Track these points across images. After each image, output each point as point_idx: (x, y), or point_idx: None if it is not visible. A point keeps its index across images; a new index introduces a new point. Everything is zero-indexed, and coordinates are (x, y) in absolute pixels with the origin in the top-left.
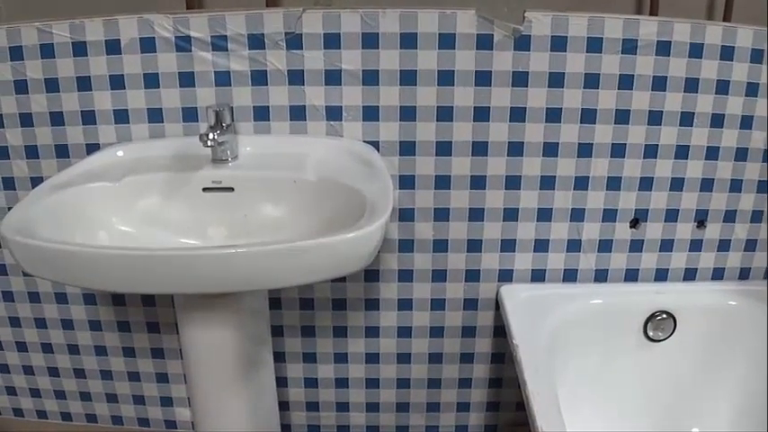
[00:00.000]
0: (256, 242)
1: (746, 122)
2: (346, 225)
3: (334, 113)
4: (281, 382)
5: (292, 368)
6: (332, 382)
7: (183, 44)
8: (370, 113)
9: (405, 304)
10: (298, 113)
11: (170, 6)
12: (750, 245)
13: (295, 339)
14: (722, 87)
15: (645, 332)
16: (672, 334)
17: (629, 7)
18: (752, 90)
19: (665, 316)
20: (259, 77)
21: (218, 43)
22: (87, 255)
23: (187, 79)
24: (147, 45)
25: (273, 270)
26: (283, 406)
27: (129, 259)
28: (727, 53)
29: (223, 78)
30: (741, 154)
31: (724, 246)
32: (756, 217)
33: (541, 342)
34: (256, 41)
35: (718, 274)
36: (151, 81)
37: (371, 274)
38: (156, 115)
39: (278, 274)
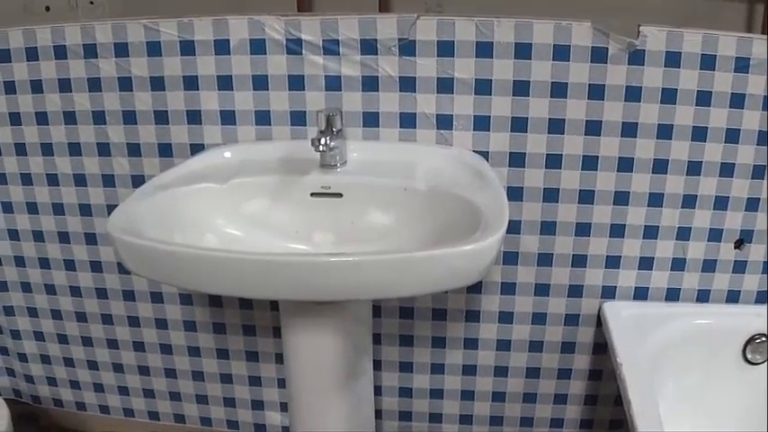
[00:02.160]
0: (367, 251)
1: None
2: (458, 237)
3: (444, 122)
4: (377, 390)
5: (387, 377)
6: (427, 392)
7: (294, 47)
8: (481, 123)
9: (505, 317)
10: (408, 121)
11: (280, 9)
12: None
13: (393, 348)
14: None
15: (744, 354)
16: None
17: (739, 24)
18: None
19: (764, 339)
20: (370, 83)
21: (330, 47)
22: (194, 256)
23: (297, 82)
24: (258, 47)
25: (382, 280)
26: (377, 414)
27: (235, 263)
28: None
29: (333, 83)
30: None
31: None
32: None
33: (645, 361)
34: (369, 47)
35: None
36: (260, 83)
37: (474, 286)
38: (263, 117)
39: (387, 284)
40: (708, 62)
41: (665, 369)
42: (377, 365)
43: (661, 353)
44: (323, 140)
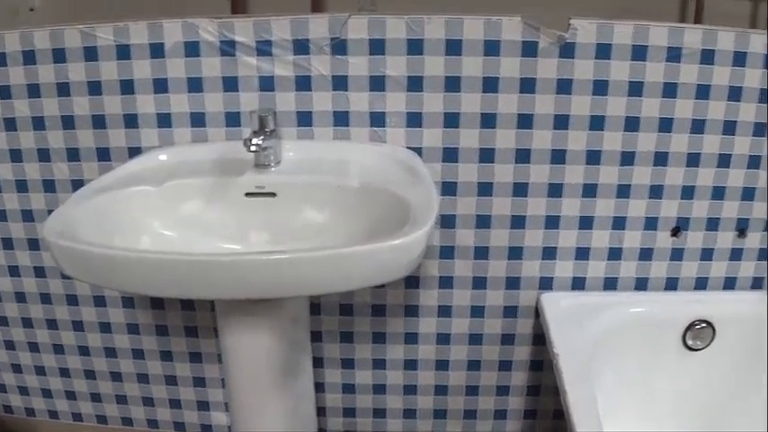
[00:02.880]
0: (298, 248)
1: None
2: (389, 232)
3: (377, 119)
4: (319, 387)
5: (330, 374)
6: (370, 388)
7: (228, 49)
8: (414, 120)
9: (444, 311)
10: (341, 119)
11: (215, 11)
12: None
13: (334, 345)
14: (764, 97)
15: (684, 341)
16: (711, 343)
17: (673, 16)
18: None
19: (704, 325)
20: (303, 83)
21: (263, 48)
22: (129, 259)
23: (231, 84)
24: (192, 49)
25: (314, 277)
26: (320, 411)
27: (171, 264)
28: None
29: (267, 83)
30: None
31: (764, 255)
32: None
33: (582, 351)
34: (301, 46)
35: (758, 284)
36: (195, 85)
37: (411, 281)
38: (199, 119)
39: (319, 280)
40: (639, 53)
41: (604, 358)
42: (319, 363)
43: (599, 342)
44: (255, 140)
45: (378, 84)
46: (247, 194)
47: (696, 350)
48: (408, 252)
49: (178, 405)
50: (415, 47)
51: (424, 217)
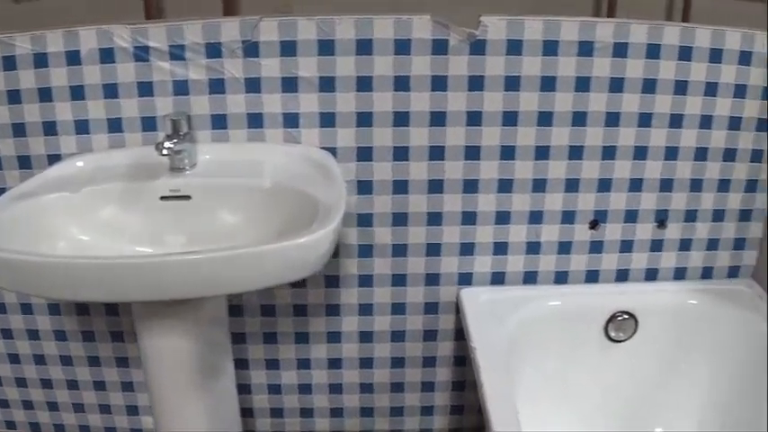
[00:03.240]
0: (208, 249)
1: (706, 122)
2: (300, 230)
3: (291, 120)
4: (245, 389)
5: (256, 375)
6: (295, 388)
7: (142, 54)
8: (327, 120)
9: (365, 309)
10: (255, 121)
11: (131, 17)
12: (712, 244)
13: (257, 346)
14: (680, 88)
15: (606, 333)
16: (633, 334)
17: (588, 10)
18: (710, 90)
19: (626, 316)
20: (217, 86)
21: (176, 53)
22: (47, 265)
23: (146, 89)
24: (107, 56)
25: (225, 276)
26: (248, 413)
27: (86, 268)
28: (685, 54)
29: (181, 87)
30: (701, 154)
31: (685, 245)
32: (718, 216)
33: (500, 344)
34: (213, 50)
35: (680, 274)
36: (111, 91)
37: (332, 280)
38: (116, 125)
39: (229, 279)
40: (550, 48)
41: (524, 351)
42: (244, 364)
43: (518, 335)
44: (166, 144)
45: (290, 85)
46: (162, 198)
47: (619, 342)
48: (315, 249)
49: (108, 410)
50: (326, 47)
51: (331, 215)
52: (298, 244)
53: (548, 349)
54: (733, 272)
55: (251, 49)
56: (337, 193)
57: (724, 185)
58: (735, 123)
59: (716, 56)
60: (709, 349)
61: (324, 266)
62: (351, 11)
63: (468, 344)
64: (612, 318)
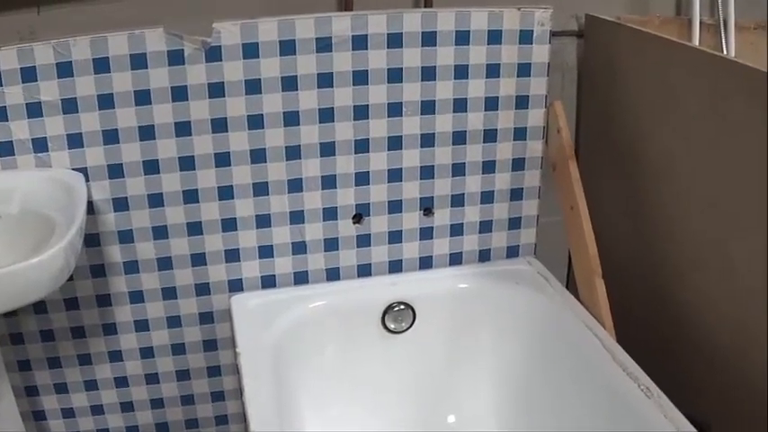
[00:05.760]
0: None
1: (460, 105)
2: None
3: (40, 145)
4: (40, 415)
5: (48, 400)
6: (88, 410)
7: None
8: (75, 141)
9: (141, 325)
10: (6, 149)
11: None
12: (485, 226)
13: (44, 372)
14: (428, 74)
15: (384, 325)
16: (413, 323)
17: (330, 6)
18: (461, 73)
19: (402, 306)
20: None
21: None
22: None
23: None
24: None
25: None
26: None
27: None
28: (429, 39)
29: None
30: (458, 137)
31: (457, 230)
32: (487, 198)
33: (267, 347)
34: None
35: (456, 260)
36: None
37: (103, 299)
38: None
39: None
40: (288, 47)
41: (299, 352)
42: (34, 391)
43: (292, 336)
44: None
45: (35, 110)
46: None
47: (400, 333)
48: (48, 270)
49: None
50: (64, 70)
51: (62, 236)
52: (28, 266)
53: (325, 348)
54: (512, 252)
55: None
56: (71, 213)
57: (489, 167)
58: (492, 104)
59: (463, 38)
60: (491, 331)
61: (58, 287)
62: (89, 31)
63: (233, 350)
64: (389, 309)
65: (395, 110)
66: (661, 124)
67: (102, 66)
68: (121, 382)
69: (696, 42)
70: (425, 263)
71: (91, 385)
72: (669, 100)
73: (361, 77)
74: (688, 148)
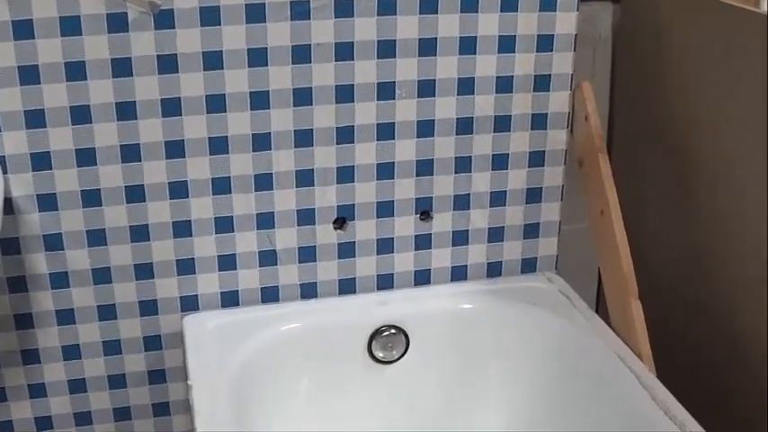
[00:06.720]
0: None
1: (466, 86)
2: None
3: None
4: None
5: None
6: None
7: None
8: None
9: (71, 352)
10: None
11: None
12: (495, 234)
13: None
14: (427, 47)
15: (371, 353)
16: (406, 352)
17: None
18: (467, 47)
19: (393, 331)
20: None
21: None
22: None
23: None
24: None
25: None
26: None
27: None
28: (428, 5)
29: None
30: (464, 125)
31: (460, 239)
32: (497, 200)
33: (227, 380)
34: None
35: (459, 274)
36: None
37: (23, 320)
38: None
39: None
40: (256, 13)
41: (263, 384)
42: None
43: (255, 366)
44: None
45: None
46: None
47: (389, 362)
48: None
49: None
50: None
51: None
52: None
53: (299, 381)
54: (528, 265)
55: None
56: None
57: (500, 161)
58: (504, 85)
59: (469, 3)
60: (500, 362)
61: None
62: None
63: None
64: (377, 333)
65: (386, 91)
66: (721, 112)
67: (23, 30)
68: (44, 423)
69: (766, 8)
70: (421, 277)
71: (5, 428)
72: (732, 82)
73: (345, 51)
74: (756, 141)
